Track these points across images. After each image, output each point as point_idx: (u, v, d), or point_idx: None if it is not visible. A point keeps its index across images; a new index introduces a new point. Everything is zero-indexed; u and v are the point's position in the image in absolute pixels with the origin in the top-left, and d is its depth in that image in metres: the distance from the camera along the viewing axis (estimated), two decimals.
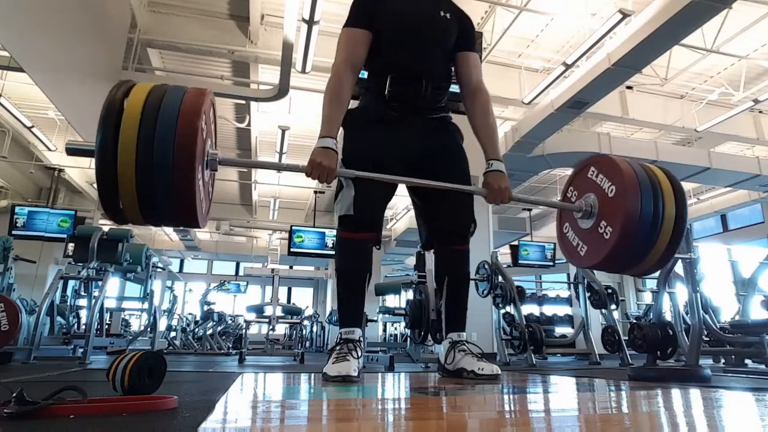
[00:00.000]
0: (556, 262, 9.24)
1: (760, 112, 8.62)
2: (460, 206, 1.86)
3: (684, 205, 1.54)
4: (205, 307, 7.58)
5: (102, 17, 5.43)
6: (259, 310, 5.26)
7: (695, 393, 1.38)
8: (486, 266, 4.41)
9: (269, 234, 14.82)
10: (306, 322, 9.95)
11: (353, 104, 1.96)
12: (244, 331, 6.29)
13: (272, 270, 5.61)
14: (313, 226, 9.48)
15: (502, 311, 4.34)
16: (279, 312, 5.14)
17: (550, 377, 2.06)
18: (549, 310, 11.59)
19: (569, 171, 10.78)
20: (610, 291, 4.60)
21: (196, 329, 7.69)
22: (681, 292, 3.03)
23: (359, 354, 1.71)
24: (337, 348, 1.73)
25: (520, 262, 9.00)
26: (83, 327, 4.98)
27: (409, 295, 4.28)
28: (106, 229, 4.00)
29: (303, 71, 6.04)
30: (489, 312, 4.57)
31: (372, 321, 4.05)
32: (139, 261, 4.30)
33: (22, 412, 0.74)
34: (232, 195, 12.83)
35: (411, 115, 1.87)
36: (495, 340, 4.44)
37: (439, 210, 1.88)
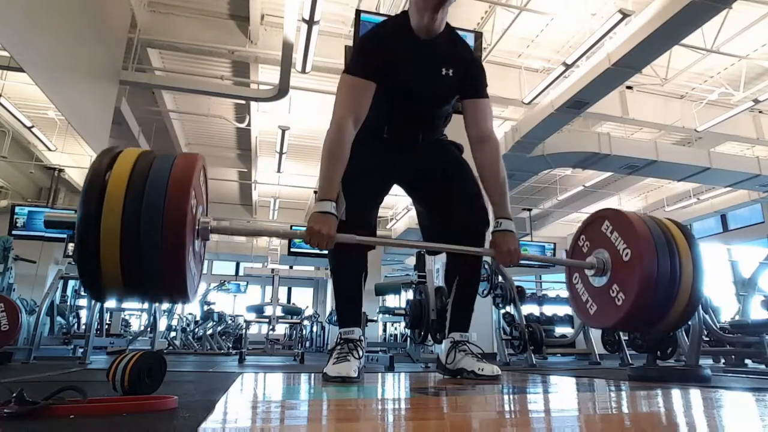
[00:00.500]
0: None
1: (760, 112, 8.62)
2: (474, 207, 1.83)
3: (701, 265, 1.48)
4: (205, 307, 7.57)
5: (102, 17, 5.43)
6: (259, 310, 5.26)
7: (695, 393, 1.37)
8: (486, 266, 4.41)
9: None
10: (306, 322, 9.94)
11: None
12: (244, 331, 6.29)
13: (272, 270, 5.62)
14: None
15: (502, 311, 4.33)
16: (279, 312, 5.14)
17: (550, 377, 2.06)
18: (549, 310, 11.56)
19: (569, 171, 10.79)
20: None
21: (196, 329, 7.68)
22: None
23: (360, 354, 1.71)
24: (338, 348, 1.73)
25: (520, 262, 9.00)
26: (83, 327, 4.98)
27: (409, 295, 4.28)
28: None
29: (303, 71, 6.04)
30: (489, 312, 4.56)
31: (372, 321, 4.06)
32: None
33: (22, 412, 0.74)
34: (232, 195, 12.83)
35: (408, 153, 1.88)
36: (495, 340, 4.44)
37: (451, 213, 1.85)
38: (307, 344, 10.77)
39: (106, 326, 4.86)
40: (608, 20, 5.33)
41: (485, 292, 4.38)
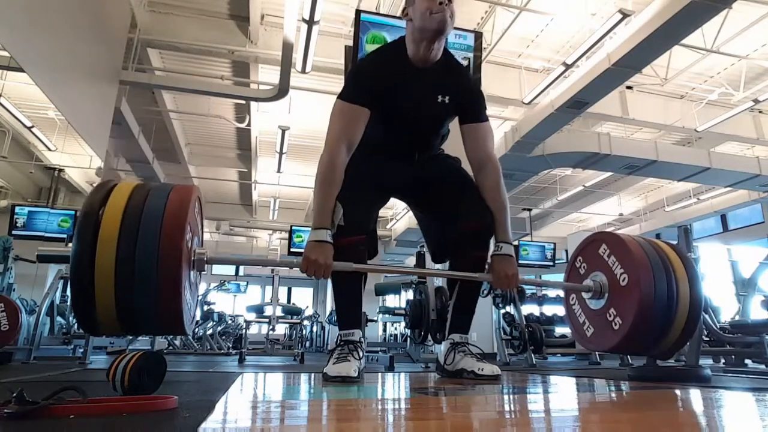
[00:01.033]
0: (556, 262, 9.23)
1: (760, 112, 8.62)
2: (473, 208, 1.76)
3: (698, 288, 1.48)
4: (205, 307, 7.57)
5: (102, 17, 5.43)
6: (259, 310, 5.27)
7: (695, 393, 1.37)
8: (486, 266, 4.41)
9: (269, 234, 14.82)
10: (306, 322, 9.94)
11: None
12: (244, 331, 6.29)
13: (272, 270, 5.61)
14: None
15: (502, 311, 4.33)
16: (279, 312, 5.14)
17: (550, 377, 2.06)
18: (549, 310, 11.56)
19: (569, 171, 10.79)
20: None
21: (196, 329, 7.68)
22: None
23: (360, 355, 1.71)
24: (338, 349, 1.73)
25: (520, 262, 9.00)
26: None
27: (409, 295, 4.28)
28: None
29: (303, 71, 6.04)
30: (489, 312, 4.56)
31: (372, 321, 4.06)
32: None
33: (22, 412, 0.74)
34: (232, 195, 12.83)
35: (405, 162, 1.89)
36: (495, 340, 4.44)
37: (456, 215, 1.79)
38: (307, 344, 10.77)
39: None
40: (608, 20, 5.33)
41: (485, 292, 4.37)
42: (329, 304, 14.50)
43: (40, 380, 1.70)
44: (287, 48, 5.33)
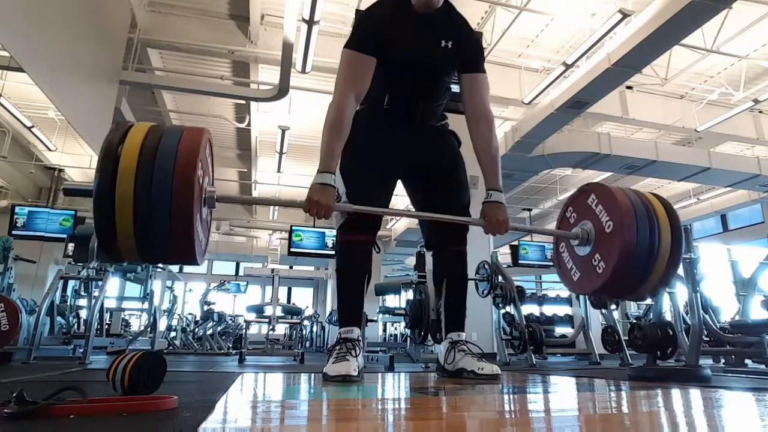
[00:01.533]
0: None
1: (760, 112, 8.62)
2: (458, 208, 1.87)
3: (679, 237, 1.56)
4: (205, 307, 7.57)
5: (102, 17, 5.43)
6: (259, 310, 5.26)
7: (695, 393, 1.37)
8: (486, 266, 4.41)
9: (269, 234, 14.82)
10: (306, 322, 9.95)
11: None
12: (244, 331, 6.28)
13: (272, 270, 5.61)
14: (313, 226, 9.47)
15: (502, 311, 4.33)
16: (279, 312, 5.13)
17: (550, 377, 2.06)
18: (549, 310, 11.56)
19: (569, 171, 10.79)
20: None
21: (196, 329, 7.68)
22: (681, 292, 3.03)
23: (358, 353, 1.71)
24: (337, 348, 1.73)
25: (520, 262, 9.00)
26: (83, 327, 4.98)
27: (409, 295, 4.28)
28: None
29: (303, 71, 6.04)
30: (489, 312, 4.56)
31: (372, 321, 4.05)
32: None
33: (22, 412, 0.74)
34: (232, 195, 12.82)
35: (408, 124, 1.90)
36: (495, 340, 4.44)
37: (434, 211, 1.88)
38: (307, 344, 10.77)
39: (106, 326, 4.85)
40: (608, 20, 5.33)
41: (485, 292, 4.38)
42: (329, 304, 14.51)
43: (40, 380, 1.70)
44: (287, 48, 5.32)
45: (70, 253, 4.33)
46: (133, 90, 7.10)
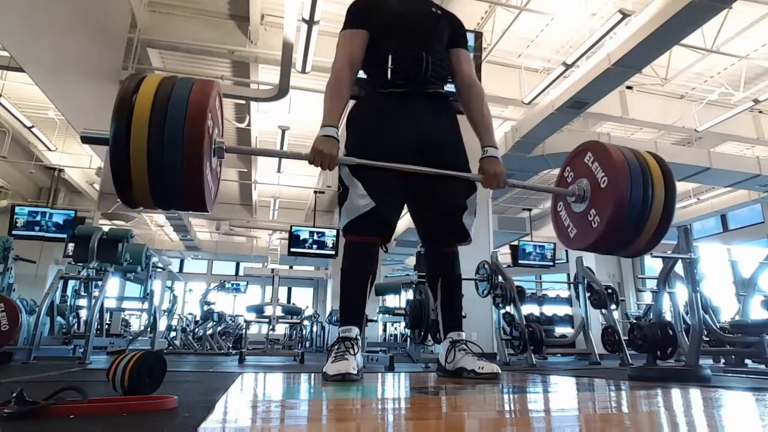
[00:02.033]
0: (556, 262, 9.24)
1: (760, 112, 8.62)
2: (448, 208, 1.87)
3: (672, 189, 1.61)
4: (205, 307, 7.57)
5: (102, 17, 5.43)
6: (259, 310, 5.26)
7: (695, 393, 1.37)
8: (486, 266, 4.41)
9: (269, 234, 14.82)
10: (306, 322, 9.94)
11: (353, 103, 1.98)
12: (244, 331, 6.28)
13: (272, 270, 5.61)
14: (313, 226, 9.48)
15: (502, 311, 4.33)
16: (279, 312, 5.14)
17: (550, 377, 2.06)
18: (549, 310, 11.59)
19: None
20: (610, 291, 4.60)
21: (196, 329, 7.68)
22: (681, 292, 3.03)
23: (356, 351, 1.71)
24: (335, 347, 1.73)
25: (520, 262, 9.01)
26: (83, 327, 4.98)
27: (409, 295, 4.28)
28: (106, 229, 4.01)
29: (303, 71, 6.04)
30: (489, 312, 4.57)
31: (372, 321, 4.05)
32: (139, 261, 4.30)
33: (22, 412, 0.74)
34: (232, 195, 12.83)
35: (415, 95, 1.87)
36: (495, 340, 4.44)
37: (429, 212, 1.90)
38: (307, 344, 10.77)
39: (106, 326, 4.85)
40: (608, 20, 5.33)
41: (485, 292, 4.38)
42: (329, 304, 14.50)
43: (40, 380, 1.70)
44: (287, 48, 5.32)
45: (70, 253, 4.32)
46: None
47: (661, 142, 8.73)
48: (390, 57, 1.85)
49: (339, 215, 1.86)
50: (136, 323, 9.38)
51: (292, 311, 5.88)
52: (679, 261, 2.46)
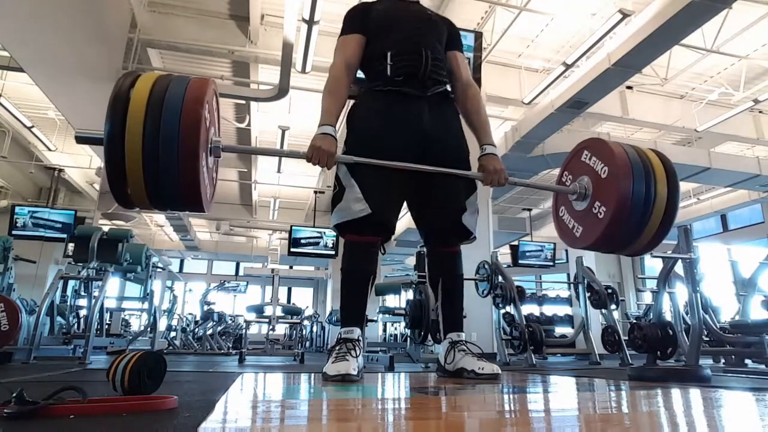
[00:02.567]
0: (556, 262, 9.24)
1: (760, 112, 8.62)
2: (448, 209, 1.86)
3: (676, 185, 1.59)
4: (205, 307, 7.57)
5: (102, 17, 5.43)
6: (259, 310, 5.26)
7: (695, 393, 1.38)
8: (486, 266, 4.41)
9: (269, 234, 14.82)
10: (306, 322, 9.94)
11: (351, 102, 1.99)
12: (244, 331, 6.28)
13: (272, 270, 5.61)
14: (313, 226, 9.48)
15: (502, 311, 4.33)
16: (279, 312, 5.14)
17: (550, 377, 2.06)
18: (549, 310, 11.58)
19: None
20: (610, 291, 4.60)
21: (196, 329, 7.68)
22: (681, 292, 3.03)
23: (358, 353, 1.71)
24: (337, 348, 1.73)
25: (520, 262, 9.01)
26: (83, 327, 4.98)
27: (409, 295, 4.28)
28: (106, 229, 4.01)
29: (303, 71, 6.03)
30: (489, 312, 4.57)
31: (372, 321, 4.05)
32: (139, 261, 4.30)
33: (22, 412, 0.74)
34: (232, 195, 12.83)
35: (415, 92, 1.85)
36: (495, 340, 4.44)
37: (429, 212, 1.89)
38: (307, 344, 10.77)
39: (106, 326, 4.85)
40: (608, 20, 5.33)
41: (485, 292, 4.38)
42: (329, 304, 14.50)
43: (40, 380, 1.70)
44: (287, 48, 5.32)
45: (70, 253, 4.32)
46: None
47: (661, 142, 8.73)
48: (389, 54, 1.85)
49: (331, 212, 1.86)
50: (136, 323, 9.37)
51: (292, 311, 5.88)
52: (679, 261, 2.46)
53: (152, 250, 4.75)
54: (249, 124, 8.64)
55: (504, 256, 9.14)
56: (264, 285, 16.07)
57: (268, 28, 6.74)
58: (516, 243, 9.47)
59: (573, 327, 5.28)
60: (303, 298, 17.88)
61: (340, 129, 1.87)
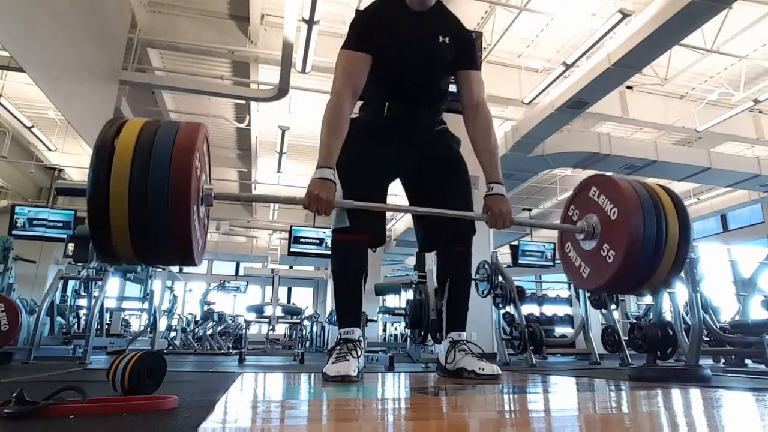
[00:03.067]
0: (556, 262, 9.23)
1: (760, 112, 8.62)
2: (462, 208, 1.85)
3: (687, 223, 1.52)
4: (205, 307, 7.57)
5: (102, 17, 5.43)
6: (259, 310, 5.26)
7: (695, 393, 1.37)
8: (486, 266, 4.41)
9: (269, 234, 14.82)
10: (306, 322, 9.94)
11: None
12: (244, 331, 6.28)
13: (272, 270, 5.61)
14: (313, 226, 9.48)
15: (502, 311, 4.33)
16: (279, 312, 5.14)
17: (550, 377, 2.06)
18: (549, 310, 11.56)
19: (569, 171, 10.81)
20: None
21: (196, 329, 7.68)
22: (681, 292, 3.03)
23: (359, 353, 1.71)
24: (337, 348, 1.73)
25: (520, 262, 9.01)
26: (83, 327, 4.98)
27: (409, 295, 4.27)
28: None
29: (303, 71, 6.04)
30: (489, 312, 4.56)
31: (372, 321, 4.06)
32: None
33: (22, 412, 0.74)
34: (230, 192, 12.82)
35: (409, 126, 1.89)
36: (495, 340, 4.44)
37: (430, 221, 1.89)
38: (307, 344, 10.77)
39: (106, 326, 4.85)
40: (608, 20, 5.33)
41: (485, 292, 4.38)
42: (329, 304, 14.50)
43: (40, 380, 1.70)
44: (287, 48, 5.32)
45: (70, 253, 4.32)
46: (133, 90, 7.09)
47: (661, 142, 8.73)
48: (387, 104, 1.84)
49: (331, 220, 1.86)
50: (136, 323, 9.37)
51: (292, 311, 5.88)
52: None
53: None
54: (249, 124, 8.64)
55: (504, 256, 9.14)
56: (264, 285, 16.07)
57: (268, 28, 6.74)
58: (516, 243, 9.48)
59: (573, 327, 5.28)
60: (303, 298, 17.88)
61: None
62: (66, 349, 3.75)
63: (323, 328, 11.53)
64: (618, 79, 6.02)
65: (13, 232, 7.37)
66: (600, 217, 1.59)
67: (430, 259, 3.63)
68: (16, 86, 7.38)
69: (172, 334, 7.63)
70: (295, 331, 8.44)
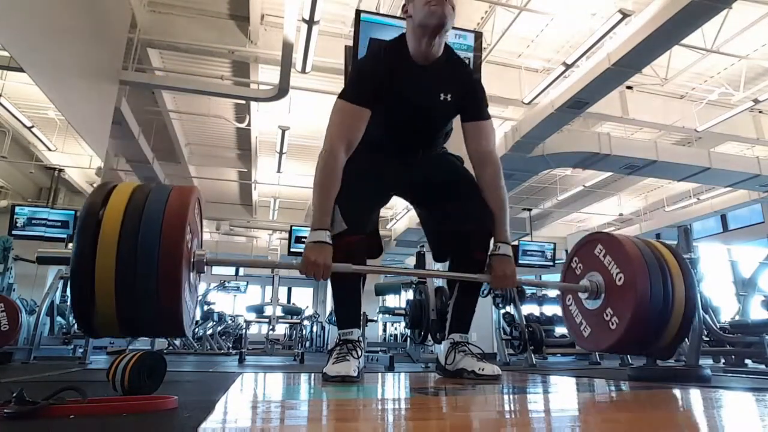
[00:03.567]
0: (556, 262, 9.23)
1: (760, 112, 8.62)
2: (475, 209, 1.76)
3: (693, 284, 1.50)
4: (205, 307, 7.57)
5: (102, 17, 5.43)
6: (259, 310, 5.27)
7: (695, 393, 1.37)
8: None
9: (269, 234, 14.82)
10: (306, 322, 9.93)
11: None
12: (244, 331, 6.28)
13: (272, 270, 5.62)
14: None
15: (502, 311, 4.33)
16: (279, 312, 5.14)
17: (550, 377, 2.06)
18: (549, 310, 11.56)
19: (569, 171, 10.79)
20: None
21: (196, 329, 7.67)
22: None
23: (359, 354, 1.71)
24: (337, 349, 1.73)
25: (520, 262, 9.00)
26: None
27: (409, 295, 4.28)
28: None
29: (303, 71, 6.04)
30: (489, 312, 4.56)
31: (372, 321, 4.06)
32: None
33: (22, 412, 0.74)
34: (232, 195, 12.83)
35: (408, 153, 1.88)
36: (495, 340, 4.44)
37: (458, 216, 1.81)
38: (307, 344, 10.77)
39: None
40: (608, 20, 5.34)
41: (485, 292, 4.37)
42: (329, 304, 14.49)
43: (40, 380, 1.70)
44: (287, 48, 5.33)
45: None
46: (133, 90, 7.10)
47: (661, 142, 8.73)
48: (385, 140, 1.82)
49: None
50: None
51: (292, 311, 5.89)
52: None
53: None
54: (249, 124, 8.65)
55: None
56: (264, 285, 16.07)
57: (268, 28, 6.74)
58: (516, 243, 9.47)
59: None
60: (303, 298, 17.88)
61: None
62: (66, 349, 3.75)
63: (323, 328, 11.53)
64: (618, 79, 6.02)
65: (13, 232, 7.35)
66: (605, 278, 1.56)
67: (430, 259, 3.63)
68: (16, 86, 7.37)
69: None
70: (295, 331, 8.45)
